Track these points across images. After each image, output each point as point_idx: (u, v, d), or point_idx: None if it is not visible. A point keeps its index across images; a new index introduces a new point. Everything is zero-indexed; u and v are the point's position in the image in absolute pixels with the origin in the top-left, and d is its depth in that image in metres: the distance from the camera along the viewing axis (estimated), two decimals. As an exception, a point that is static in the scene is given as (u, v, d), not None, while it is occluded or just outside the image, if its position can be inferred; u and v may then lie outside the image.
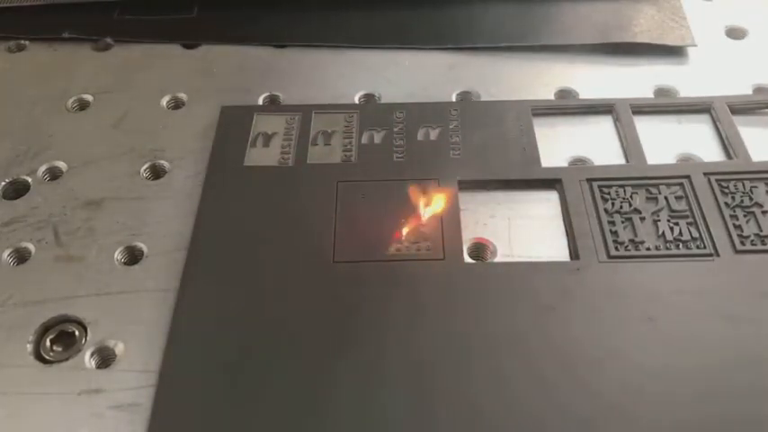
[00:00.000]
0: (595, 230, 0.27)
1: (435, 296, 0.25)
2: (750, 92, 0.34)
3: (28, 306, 0.26)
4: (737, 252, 0.26)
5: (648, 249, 0.27)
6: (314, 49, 0.37)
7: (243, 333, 0.25)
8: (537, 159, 0.30)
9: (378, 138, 0.31)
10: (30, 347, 0.25)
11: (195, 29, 0.38)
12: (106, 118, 0.34)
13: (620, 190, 0.29)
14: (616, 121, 0.32)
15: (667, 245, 0.27)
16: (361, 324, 0.25)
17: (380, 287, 0.26)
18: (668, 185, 0.29)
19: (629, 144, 0.30)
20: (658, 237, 0.27)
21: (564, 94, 0.34)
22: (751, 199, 0.28)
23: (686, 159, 0.30)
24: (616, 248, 0.27)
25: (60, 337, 0.25)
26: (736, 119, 0.31)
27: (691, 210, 0.28)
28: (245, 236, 0.28)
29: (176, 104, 0.34)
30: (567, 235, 0.28)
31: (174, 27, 0.38)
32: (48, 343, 0.25)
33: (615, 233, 0.27)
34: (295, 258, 0.27)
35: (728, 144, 0.30)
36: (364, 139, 0.31)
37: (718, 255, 0.26)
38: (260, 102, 0.34)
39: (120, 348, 0.25)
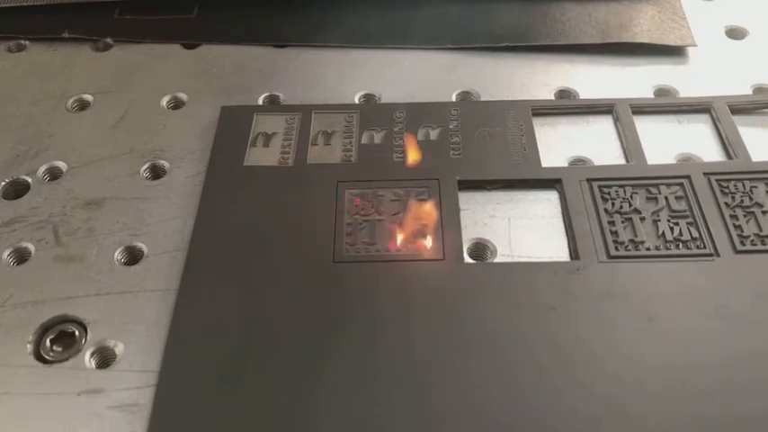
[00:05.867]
0: (595, 230, 0.27)
1: (435, 296, 0.25)
2: (750, 92, 0.34)
3: (28, 306, 0.26)
4: (737, 252, 0.26)
5: (648, 249, 0.27)
6: (314, 49, 0.37)
7: (243, 333, 0.25)
8: (537, 159, 0.30)
9: (378, 138, 0.31)
10: (30, 347, 0.25)
11: (195, 29, 0.38)
12: (106, 118, 0.34)
13: (620, 190, 0.29)
14: (616, 121, 0.32)
15: (667, 245, 0.27)
16: (361, 324, 0.25)
17: (380, 287, 0.26)
18: (668, 185, 0.29)
19: (629, 144, 0.30)
20: (658, 237, 0.27)
21: (564, 94, 0.34)
22: (751, 199, 0.28)
23: (686, 159, 0.30)
24: (616, 248, 0.27)
25: (60, 337, 0.25)
26: (736, 119, 0.31)
27: (691, 210, 0.28)
28: (245, 236, 0.28)
29: (176, 104, 0.34)
30: (567, 235, 0.28)
31: (174, 27, 0.38)
32: (48, 343, 0.25)
33: (615, 233, 0.27)
34: (295, 258, 0.27)
35: (728, 144, 0.30)
36: (364, 139, 0.31)
37: (718, 255, 0.26)
38: (260, 102, 0.34)
39: (119, 348, 0.25)
